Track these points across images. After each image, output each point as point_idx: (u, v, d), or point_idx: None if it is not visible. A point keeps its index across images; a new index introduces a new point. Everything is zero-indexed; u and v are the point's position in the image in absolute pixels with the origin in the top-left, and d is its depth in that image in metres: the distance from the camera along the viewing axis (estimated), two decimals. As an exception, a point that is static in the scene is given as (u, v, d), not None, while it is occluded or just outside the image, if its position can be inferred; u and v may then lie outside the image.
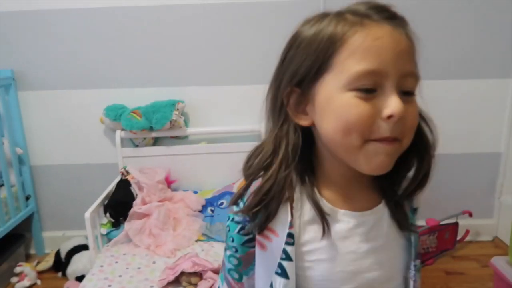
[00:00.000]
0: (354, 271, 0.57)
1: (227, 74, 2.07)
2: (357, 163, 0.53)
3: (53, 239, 2.21)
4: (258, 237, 0.59)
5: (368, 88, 0.50)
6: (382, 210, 0.60)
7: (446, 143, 2.24)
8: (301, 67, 0.54)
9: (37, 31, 2.01)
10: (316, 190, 0.58)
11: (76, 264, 1.93)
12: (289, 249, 0.56)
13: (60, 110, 2.10)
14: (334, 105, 0.52)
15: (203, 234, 1.78)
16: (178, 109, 2.00)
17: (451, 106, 2.13)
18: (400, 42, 0.51)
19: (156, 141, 2.14)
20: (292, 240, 0.56)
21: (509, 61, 2.06)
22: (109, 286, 1.46)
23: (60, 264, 2.02)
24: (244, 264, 0.62)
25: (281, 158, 0.56)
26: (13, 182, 2.03)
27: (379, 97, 0.51)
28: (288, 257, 0.56)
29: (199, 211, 1.88)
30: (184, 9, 1.99)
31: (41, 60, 2.04)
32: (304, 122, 0.57)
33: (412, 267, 0.62)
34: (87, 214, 1.60)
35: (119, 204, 1.76)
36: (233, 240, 0.61)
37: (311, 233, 0.57)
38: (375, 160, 0.52)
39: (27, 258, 2.18)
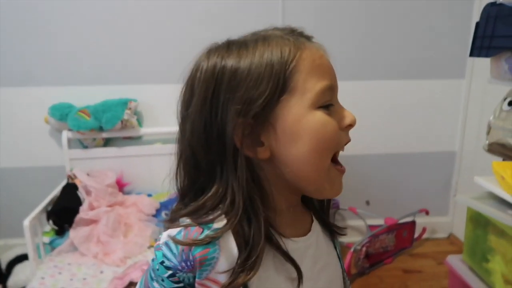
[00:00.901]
0: None
1: (183, 71, 1.98)
2: (321, 189, 0.53)
3: (-6, 248, 2.04)
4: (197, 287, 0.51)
5: (330, 103, 0.52)
6: (317, 228, 0.60)
7: (402, 142, 2.30)
8: (258, 95, 0.49)
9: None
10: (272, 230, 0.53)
11: (18, 276, 1.78)
12: None
13: (3, 110, 1.94)
14: (309, 124, 0.50)
15: (156, 240, 1.69)
16: (130, 108, 1.89)
17: (407, 106, 2.16)
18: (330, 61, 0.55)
19: (107, 142, 2.02)
20: None
21: (462, 61, 2.11)
22: (53, 300, 1.34)
23: (1, 275, 1.86)
24: None
25: (242, 207, 0.50)
26: None
27: (335, 111, 0.53)
28: None
29: (153, 215, 1.79)
30: (138, 3, 1.89)
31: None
32: (263, 154, 0.51)
33: (346, 278, 0.66)
34: (26, 222, 1.47)
35: (64, 210, 1.64)
36: (162, 280, 0.52)
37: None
38: (337, 184, 0.54)
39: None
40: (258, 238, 0.50)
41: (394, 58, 2.07)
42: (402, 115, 2.15)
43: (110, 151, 1.97)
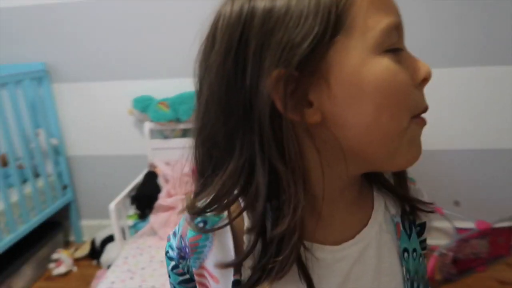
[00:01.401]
0: None
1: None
2: (396, 154, 0.40)
3: (90, 227, 2.28)
4: (198, 280, 0.47)
5: (398, 48, 0.39)
6: (369, 234, 0.46)
7: (495, 136, 2.04)
8: (296, 40, 0.36)
9: (67, 24, 2.03)
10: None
11: (109, 254, 1.97)
12: None
13: (92, 101, 2.14)
14: (373, 75, 0.37)
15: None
16: (205, 100, 1.95)
17: (503, 95, 1.91)
18: None
19: (185, 133, 2.11)
20: None
21: None
22: (131, 278, 1.46)
23: (95, 252, 2.08)
24: None
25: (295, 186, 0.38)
26: (50, 172, 2.10)
27: (404, 59, 0.40)
28: None
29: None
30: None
31: (73, 53, 2.07)
32: (313, 117, 0.39)
33: None
34: (112, 206, 1.61)
35: (145, 197, 1.77)
36: (170, 277, 0.50)
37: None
38: (414, 148, 0.41)
39: (66, 245, 2.26)
40: (289, 236, 0.39)
41: (490, 42, 1.83)
42: (496, 106, 1.92)
43: (187, 141, 2.06)
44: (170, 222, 1.71)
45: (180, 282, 0.49)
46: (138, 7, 1.96)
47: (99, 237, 2.08)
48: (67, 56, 2.08)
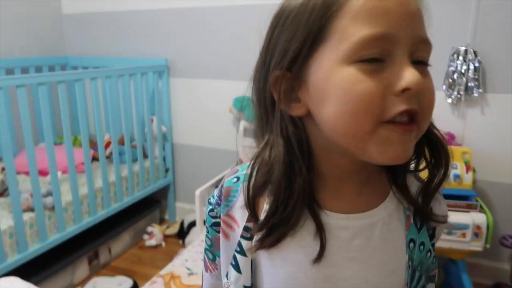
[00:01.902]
0: (326, 278, 0.49)
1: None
2: (368, 154, 0.44)
3: (183, 210, 2.51)
4: (222, 226, 0.55)
5: (376, 58, 0.41)
6: (377, 215, 0.50)
7: None
8: (291, 44, 0.45)
9: (188, 27, 2.28)
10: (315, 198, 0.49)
11: (192, 236, 2.15)
12: (244, 243, 0.52)
13: (200, 96, 2.35)
14: (335, 83, 0.43)
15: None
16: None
17: None
18: (409, 2, 0.43)
19: (277, 135, 2.19)
20: (248, 235, 0.52)
21: None
22: (201, 260, 1.58)
23: (183, 232, 2.28)
24: (215, 246, 0.58)
25: (286, 163, 0.47)
26: (157, 155, 2.37)
27: (387, 69, 0.42)
28: (242, 252, 0.52)
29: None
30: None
31: (189, 52, 2.31)
32: (297, 111, 0.47)
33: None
34: (197, 192, 1.76)
35: (229, 189, 1.88)
36: (206, 220, 0.59)
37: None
38: (390, 148, 0.43)
39: (161, 221, 2.53)
40: (293, 199, 0.47)
41: None
42: None
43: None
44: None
45: (211, 225, 0.57)
46: (247, 14, 2.11)
47: (187, 220, 2.28)
48: (184, 55, 2.32)
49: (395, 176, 0.52)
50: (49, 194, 1.73)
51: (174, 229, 2.34)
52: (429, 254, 0.53)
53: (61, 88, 1.73)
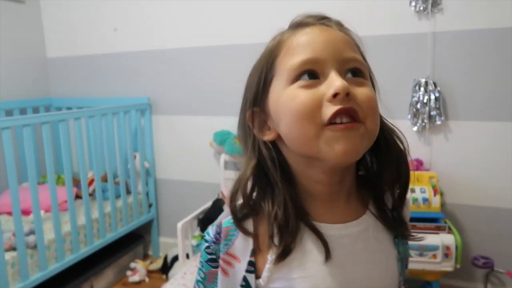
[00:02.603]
0: (341, 286, 0.56)
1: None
2: (321, 154, 0.51)
3: (167, 244, 2.52)
4: (222, 264, 0.60)
5: (310, 74, 0.52)
6: (367, 221, 0.59)
7: None
8: (254, 86, 0.59)
9: (168, 67, 2.39)
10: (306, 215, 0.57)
11: (175, 270, 2.16)
12: (249, 277, 0.58)
13: (182, 132, 2.43)
14: (282, 102, 0.54)
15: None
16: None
17: None
18: (331, 33, 0.55)
19: (256, 167, 2.26)
20: (252, 268, 0.58)
21: None
22: (184, 292, 1.61)
23: (166, 267, 2.29)
24: (208, 279, 0.64)
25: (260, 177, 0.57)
26: (140, 190, 2.42)
27: (321, 84, 0.52)
28: (248, 286, 0.58)
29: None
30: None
31: (170, 90, 2.41)
32: (268, 136, 0.58)
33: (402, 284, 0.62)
34: (179, 225, 1.80)
35: (210, 220, 1.93)
36: (201, 256, 0.64)
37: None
38: (338, 146, 0.50)
39: (145, 257, 2.53)
40: (286, 215, 0.55)
41: None
42: None
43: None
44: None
45: (207, 260, 0.63)
46: (224, 60, 2.23)
47: (171, 254, 2.30)
48: (165, 93, 2.43)
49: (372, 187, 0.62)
50: (31, 232, 1.75)
51: (158, 264, 2.35)
52: (406, 244, 0.63)
53: (45, 129, 1.79)
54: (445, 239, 1.61)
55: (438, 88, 1.88)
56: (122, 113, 2.28)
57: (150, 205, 2.50)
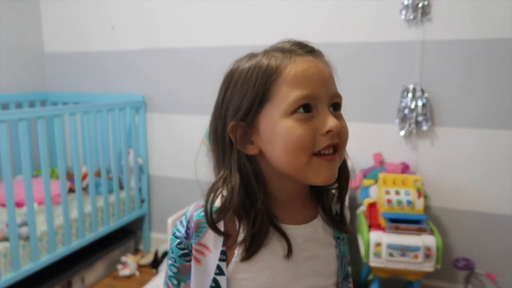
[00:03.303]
0: (293, 278, 0.65)
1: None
2: (307, 178, 0.61)
3: (158, 239, 2.56)
4: (194, 253, 0.66)
5: (306, 108, 0.59)
6: (317, 224, 0.69)
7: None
8: (243, 102, 0.62)
9: (164, 65, 2.44)
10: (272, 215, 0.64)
11: (165, 264, 2.20)
12: (222, 265, 0.64)
13: (175, 130, 2.48)
14: (279, 130, 0.60)
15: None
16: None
17: None
18: (323, 70, 0.62)
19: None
20: (224, 257, 0.64)
21: None
22: (172, 286, 1.65)
23: (157, 262, 2.33)
24: (182, 273, 0.69)
25: (244, 190, 0.62)
26: (132, 186, 2.46)
27: (315, 117, 0.60)
28: (222, 273, 0.64)
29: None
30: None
31: (165, 89, 2.46)
32: (252, 151, 0.63)
33: (341, 277, 0.72)
34: (170, 220, 1.84)
35: (200, 217, 1.97)
36: (172, 252, 0.69)
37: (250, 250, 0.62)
38: (323, 173, 0.60)
39: (136, 252, 2.57)
40: (258, 217, 0.61)
41: None
42: None
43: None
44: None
45: (180, 256, 0.68)
46: (218, 59, 2.28)
47: (162, 249, 2.34)
48: (160, 91, 2.47)
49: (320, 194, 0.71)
50: (24, 224, 1.79)
51: (149, 258, 2.39)
52: (346, 245, 0.74)
53: (40, 123, 1.83)
54: (427, 240, 1.67)
55: (426, 95, 1.94)
56: (117, 109, 2.32)
57: (142, 201, 2.54)
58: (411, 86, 1.95)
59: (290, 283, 0.65)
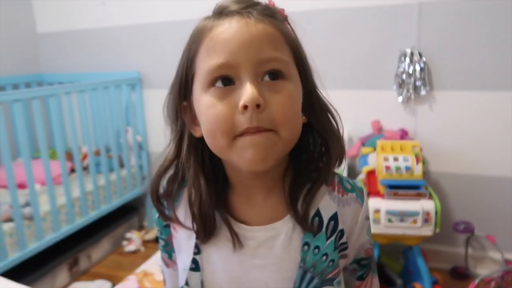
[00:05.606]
0: (238, 280, 0.58)
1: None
2: (235, 162, 0.52)
3: (162, 216, 2.59)
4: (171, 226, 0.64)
5: (225, 80, 0.50)
6: (281, 226, 0.57)
7: None
8: (179, 76, 0.56)
9: (158, 41, 2.40)
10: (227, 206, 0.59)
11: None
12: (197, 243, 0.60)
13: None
14: (200, 108, 0.53)
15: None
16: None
17: None
18: (249, 30, 0.50)
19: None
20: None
21: None
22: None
23: (161, 237, 2.37)
24: (170, 245, 0.66)
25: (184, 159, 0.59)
26: (133, 164, 2.47)
27: (237, 90, 0.50)
28: (199, 252, 0.60)
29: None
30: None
31: (160, 64, 2.42)
32: (197, 133, 0.56)
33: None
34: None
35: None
36: (157, 224, 0.68)
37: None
38: (246, 154, 0.49)
39: (140, 228, 2.61)
40: (204, 203, 0.56)
41: None
42: None
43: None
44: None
45: (164, 226, 0.66)
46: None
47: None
48: (155, 67, 2.44)
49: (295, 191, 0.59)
50: (27, 204, 1.81)
51: (153, 234, 2.43)
52: (324, 258, 0.57)
53: (35, 104, 1.82)
54: (425, 205, 1.67)
55: (423, 59, 1.90)
56: (113, 87, 2.30)
57: (143, 178, 2.56)
58: (408, 51, 1.91)
59: (238, 285, 0.58)
